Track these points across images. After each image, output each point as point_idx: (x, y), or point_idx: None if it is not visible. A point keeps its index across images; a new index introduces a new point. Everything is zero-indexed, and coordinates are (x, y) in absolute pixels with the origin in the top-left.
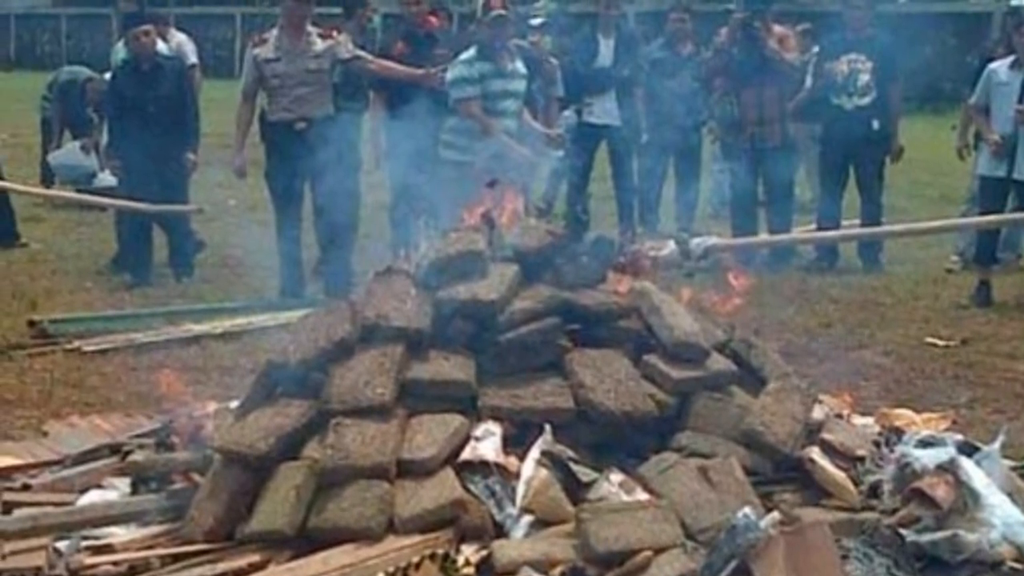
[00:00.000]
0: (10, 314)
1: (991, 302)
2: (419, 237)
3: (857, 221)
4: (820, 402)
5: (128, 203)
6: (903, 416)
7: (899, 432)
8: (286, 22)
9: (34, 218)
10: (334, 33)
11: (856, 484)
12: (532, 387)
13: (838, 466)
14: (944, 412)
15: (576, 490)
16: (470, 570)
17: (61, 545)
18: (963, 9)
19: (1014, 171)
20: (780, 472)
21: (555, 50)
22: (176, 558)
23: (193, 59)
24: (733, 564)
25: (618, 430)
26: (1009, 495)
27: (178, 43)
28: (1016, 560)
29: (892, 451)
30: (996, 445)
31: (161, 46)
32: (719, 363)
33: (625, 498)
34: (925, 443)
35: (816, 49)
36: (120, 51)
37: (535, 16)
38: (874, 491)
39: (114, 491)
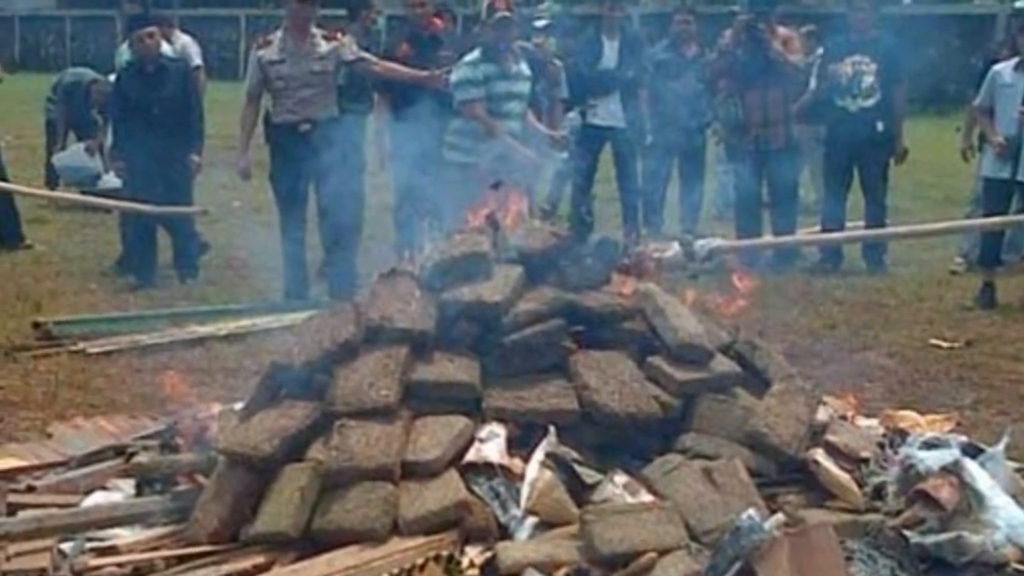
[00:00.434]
0: (15, 316)
1: (995, 304)
2: (423, 239)
3: (861, 223)
4: (824, 404)
5: (132, 205)
6: (907, 418)
7: (903, 434)
8: (290, 24)
9: (39, 220)
10: (338, 35)
11: (860, 486)
12: (536, 389)
13: (842, 468)
14: (948, 414)
15: (580, 492)
16: (474, 572)
17: (66, 547)
18: (967, 11)
19: (1018, 173)
20: (784, 474)
21: (559, 52)
22: (180, 560)
23: (197, 61)
24: (737, 566)
25: (622, 432)
26: (1013, 497)
27: (182, 45)
28: (1020, 562)
29: (896, 453)
30: (1000, 447)
31: (165, 48)
32: (723, 365)
33: (629, 500)
34: (929, 445)
35: (820, 51)
36: (124, 53)
37: (539, 18)
38: (878, 493)
39: (118, 493)
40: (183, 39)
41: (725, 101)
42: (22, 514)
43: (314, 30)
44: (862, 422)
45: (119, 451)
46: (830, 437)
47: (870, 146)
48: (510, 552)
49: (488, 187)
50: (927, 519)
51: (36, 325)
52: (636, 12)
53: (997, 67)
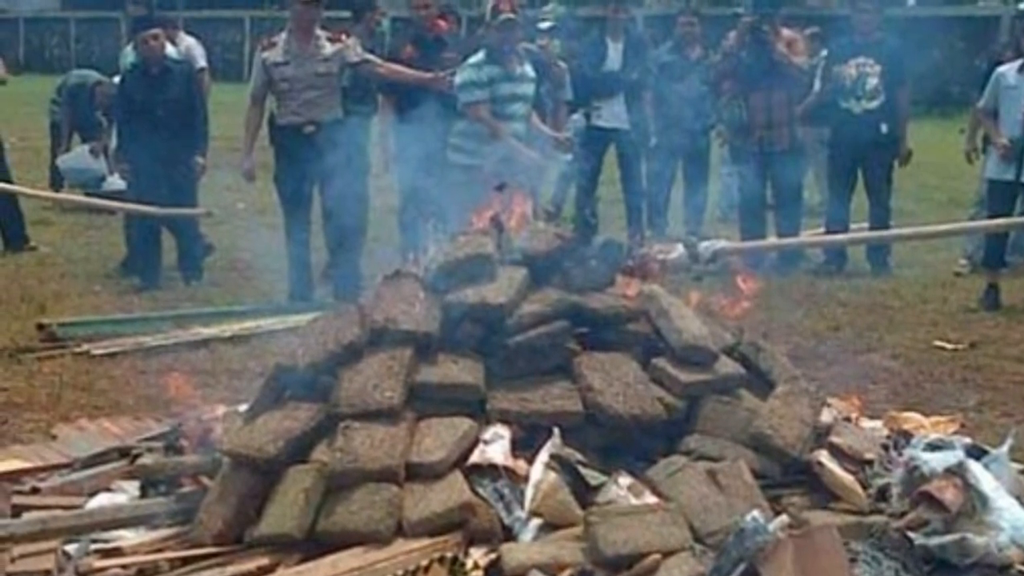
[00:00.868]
0: (19, 317)
1: (999, 305)
2: (428, 241)
3: (865, 224)
4: (828, 405)
5: (137, 207)
6: (911, 419)
7: (907, 435)
8: (295, 26)
9: (43, 222)
10: (343, 37)
11: (864, 487)
12: (541, 390)
13: (846, 469)
14: (952, 415)
15: (584, 493)
16: (479, 573)
17: (70, 548)
18: (971, 13)
19: (1022, 174)
20: (788, 475)
21: (564, 54)
22: (185, 561)
23: (202, 63)
24: (741, 567)
25: (626, 433)
26: (1018, 498)
27: (187, 47)
28: None
29: (900, 454)
30: (1005, 448)
31: (170, 50)
32: (727, 366)
33: (633, 501)
34: (933, 446)
35: (824, 53)
36: (129, 55)
37: (544, 20)
38: (882, 494)
39: (123, 494)
40: (187, 41)
41: (729, 103)
42: (27, 516)
43: (318, 32)
44: (866, 424)
45: (123, 453)
46: (834, 439)
47: (874, 148)
48: (514, 554)
49: (492, 189)
50: (931, 521)
51: (40, 327)
52: (640, 14)
53: (1001, 69)
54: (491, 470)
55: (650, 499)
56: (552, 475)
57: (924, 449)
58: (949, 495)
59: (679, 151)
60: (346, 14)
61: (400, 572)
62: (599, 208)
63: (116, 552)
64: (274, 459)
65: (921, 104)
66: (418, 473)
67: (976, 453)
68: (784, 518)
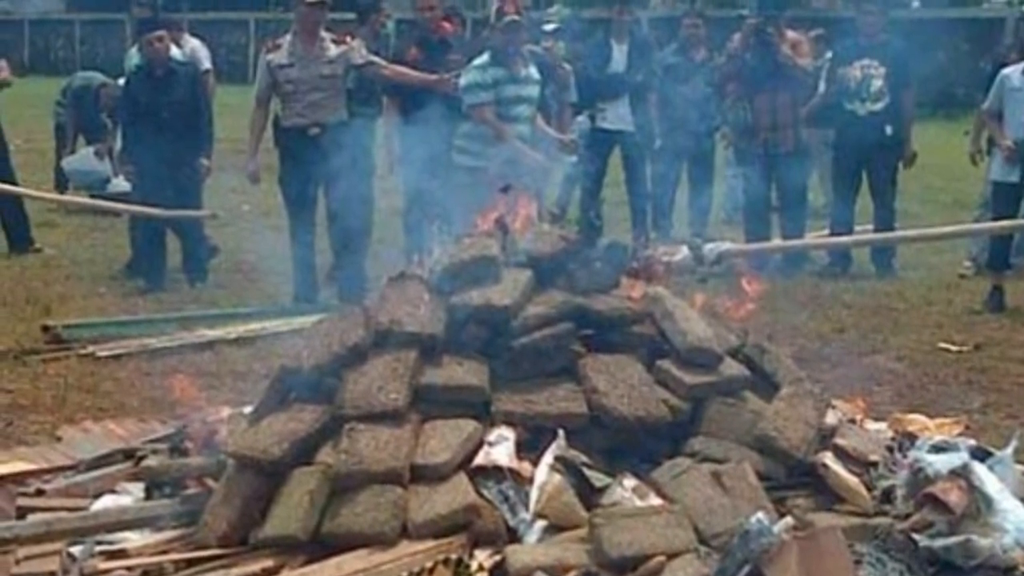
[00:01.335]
0: (24, 319)
1: (1004, 307)
2: (432, 242)
3: (870, 226)
4: (833, 407)
5: (142, 208)
6: (916, 421)
7: (912, 437)
8: (300, 28)
9: (48, 223)
10: (348, 39)
11: (869, 489)
12: (545, 392)
13: (851, 471)
14: (957, 417)
15: (589, 495)
16: (483, 575)
17: (75, 550)
18: (976, 15)
19: None
20: (793, 477)
21: (568, 56)
22: (190, 563)
23: (207, 64)
24: (746, 569)
25: (631, 435)
26: (1022, 500)
27: (192, 48)
28: None
29: (905, 456)
30: (1009, 450)
31: (175, 51)
32: (732, 368)
33: (638, 503)
34: (938, 448)
35: (829, 55)
36: (134, 56)
37: (549, 22)
38: (887, 496)
39: (128, 496)
40: (192, 43)
41: (734, 105)
42: (31, 518)
43: (323, 34)
44: (871, 426)
45: (128, 454)
46: (839, 441)
47: (879, 150)
48: (519, 555)
49: (497, 191)
50: (936, 522)
51: (45, 329)
52: (645, 16)
53: (1006, 71)
54: (496, 472)
55: (655, 501)
56: (557, 477)
57: (929, 451)
58: (954, 497)
59: (684, 153)
60: (351, 16)
61: (405, 574)
62: (604, 210)
63: (121, 554)
64: (279, 461)
65: (926, 106)
66: (423, 475)
67: (981, 455)
68: (789, 520)
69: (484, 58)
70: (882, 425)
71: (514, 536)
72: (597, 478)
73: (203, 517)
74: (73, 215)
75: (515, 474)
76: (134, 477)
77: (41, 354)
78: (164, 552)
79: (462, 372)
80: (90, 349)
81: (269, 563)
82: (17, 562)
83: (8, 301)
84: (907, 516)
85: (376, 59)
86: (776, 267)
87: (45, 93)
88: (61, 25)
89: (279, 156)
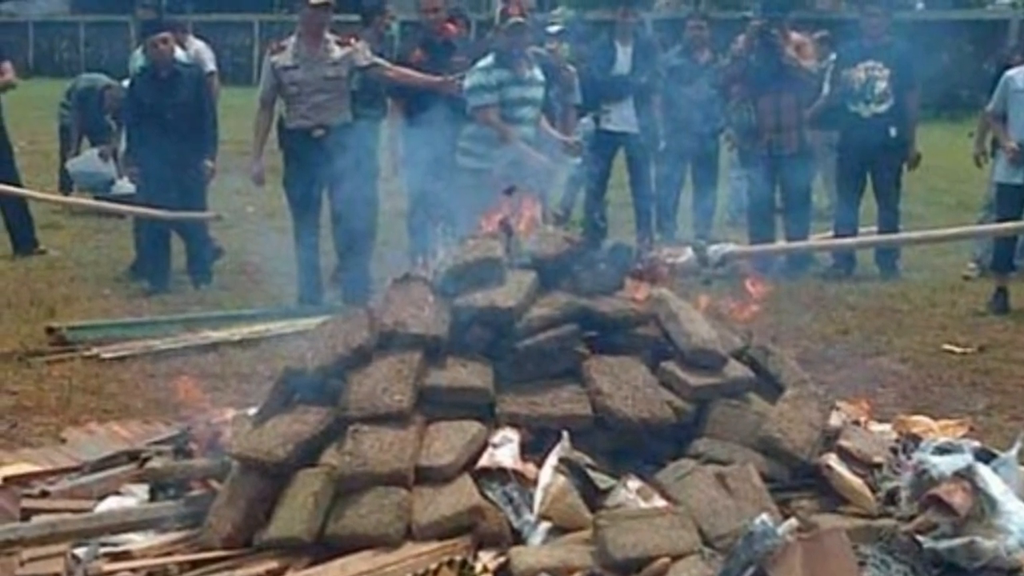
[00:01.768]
0: (29, 321)
1: (1008, 309)
2: (437, 244)
3: (874, 228)
4: (837, 409)
5: (146, 210)
6: (920, 423)
7: (916, 439)
8: (304, 29)
9: (52, 225)
10: (352, 40)
11: (873, 491)
12: (550, 394)
13: (855, 473)
14: (961, 419)
15: (594, 497)
16: None
17: (79, 552)
18: (980, 16)
19: None
20: (797, 479)
21: (573, 57)
22: (194, 565)
23: (211, 66)
24: (750, 571)
25: (636, 437)
26: None
27: (196, 50)
28: None
29: (909, 458)
30: (1013, 452)
31: (179, 53)
32: (736, 370)
33: (643, 505)
34: (942, 450)
35: (833, 56)
36: (138, 58)
37: (553, 23)
38: (891, 498)
39: (132, 498)
40: (197, 44)
41: (738, 106)
42: (36, 519)
43: (328, 35)
44: (875, 427)
45: (133, 456)
46: (843, 442)
47: (883, 151)
48: (523, 557)
49: (501, 192)
50: (940, 524)
51: (50, 330)
52: (649, 18)
53: (1010, 72)
54: (500, 474)
55: (659, 502)
56: (561, 479)
57: (933, 453)
58: (958, 499)
59: (688, 155)
60: (355, 18)
61: (409, 575)
62: (608, 212)
63: (125, 556)
64: (283, 462)
65: (930, 108)
66: (427, 477)
67: (985, 457)
68: (793, 522)
69: (488, 60)
70: (886, 427)
71: (518, 538)
72: (601, 480)
73: (207, 519)
74: (77, 217)
75: (519, 476)
76: (138, 479)
77: (45, 356)
78: (168, 554)
79: (466, 374)
80: (94, 351)
81: (273, 565)
82: (22, 564)
83: (12, 303)
84: (911, 518)
85: (380, 61)
86: (780, 269)
87: (49, 95)
88: (65, 27)
89: (283, 158)
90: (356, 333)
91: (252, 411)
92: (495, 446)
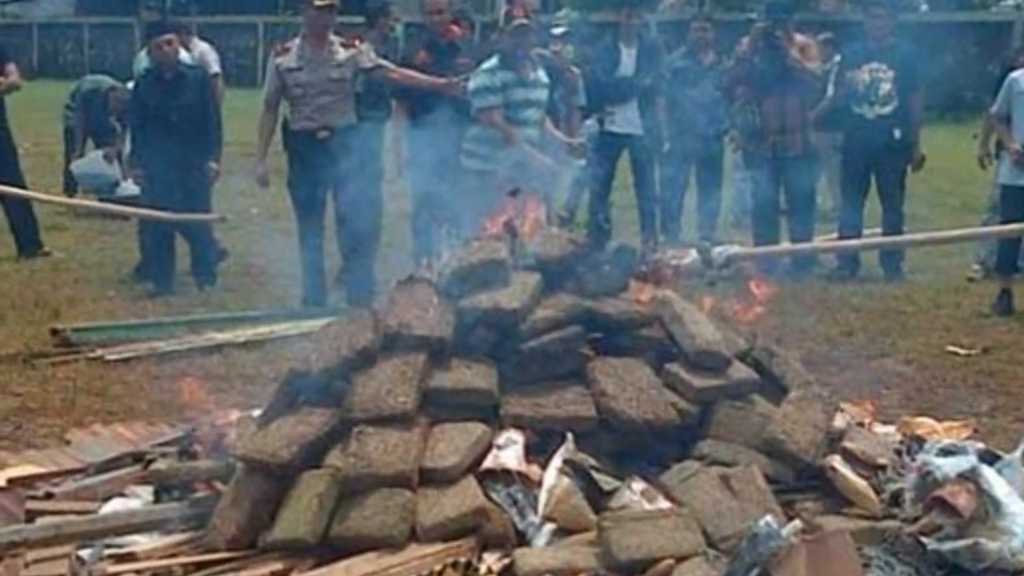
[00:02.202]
0: (33, 322)
1: (1012, 311)
2: (441, 246)
3: (878, 230)
4: (842, 410)
5: (151, 212)
6: (924, 424)
7: (920, 440)
8: (308, 31)
9: (57, 227)
10: (356, 42)
11: (877, 492)
12: (554, 395)
13: (859, 474)
14: (965, 420)
15: (598, 498)
16: None
17: (84, 553)
18: (984, 18)
19: None
20: (802, 480)
21: (577, 59)
22: (199, 566)
23: (216, 68)
24: (755, 572)
25: (640, 438)
26: None
27: (201, 52)
28: None
29: (913, 459)
30: (1018, 453)
31: (184, 55)
32: (741, 372)
33: (647, 506)
34: (946, 451)
35: (837, 58)
36: (143, 60)
37: (557, 25)
38: (895, 499)
39: (137, 499)
40: (201, 46)
41: (742, 108)
42: (40, 521)
43: (332, 37)
44: (879, 429)
45: (137, 458)
46: (847, 444)
47: (887, 153)
48: (528, 559)
49: (506, 194)
50: (944, 526)
51: (54, 332)
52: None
53: (1014, 74)
54: (504, 475)
55: (663, 504)
56: (565, 480)
57: (937, 454)
58: (962, 500)
59: (692, 156)
60: (360, 19)
61: None
62: (612, 213)
63: (130, 557)
64: (288, 464)
65: (934, 109)
66: (432, 478)
67: (989, 458)
68: (797, 523)
69: (493, 62)
70: (890, 428)
71: (523, 539)
72: (606, 481)
73: (212, 520)
74: (82, 218)
75: (524, 477)
76: (143, 480)
77: (50, 357)
78: (173, 555)
79: (471, 375)
80: (99, 352)
81: (278, 566)
82: (26, 565)
83: (17, 304)
84: (915, 519)
85: (385, 62)
86: (784, 270)
87: (54, 97)
88: (70, 29)
89: (288, 159)
90: (360, 335)
91: (256, 413)
92: (499, 448)
